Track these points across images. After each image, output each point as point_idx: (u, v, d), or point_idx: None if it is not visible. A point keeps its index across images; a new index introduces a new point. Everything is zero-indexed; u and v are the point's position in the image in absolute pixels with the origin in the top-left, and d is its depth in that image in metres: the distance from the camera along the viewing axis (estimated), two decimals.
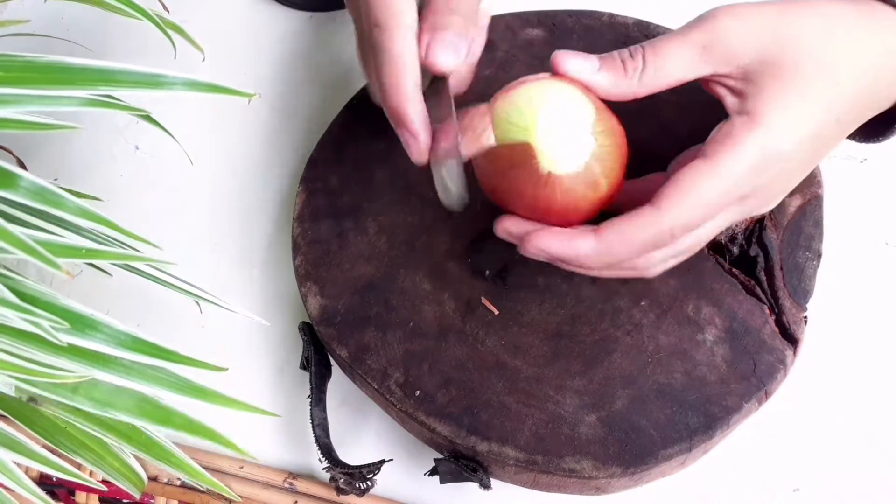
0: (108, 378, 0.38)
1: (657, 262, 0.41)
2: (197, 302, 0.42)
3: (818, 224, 0.47)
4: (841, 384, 0.52)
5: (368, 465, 0.47)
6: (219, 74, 0.64)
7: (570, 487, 0.45)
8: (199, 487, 0.46)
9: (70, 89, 0.38)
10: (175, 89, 0.39)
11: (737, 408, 0.43)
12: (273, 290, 0.58)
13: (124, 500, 0.55)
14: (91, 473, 0.53)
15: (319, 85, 0.64)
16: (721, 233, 0.46)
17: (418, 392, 0.45)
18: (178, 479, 0.54)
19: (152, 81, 0.39)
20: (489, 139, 0.40)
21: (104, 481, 0.46)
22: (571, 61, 0.40)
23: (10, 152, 0.59)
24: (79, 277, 0.56)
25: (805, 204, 0.47)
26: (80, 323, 0.36)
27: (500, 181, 0.41)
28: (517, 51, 0.54)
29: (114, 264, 0.41)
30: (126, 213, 0.61)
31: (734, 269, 0.46)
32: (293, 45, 0.65)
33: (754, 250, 0.46)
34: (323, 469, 0.48)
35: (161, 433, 0.42)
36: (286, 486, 0.53)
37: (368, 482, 0.48)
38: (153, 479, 0.55)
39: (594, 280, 0.47)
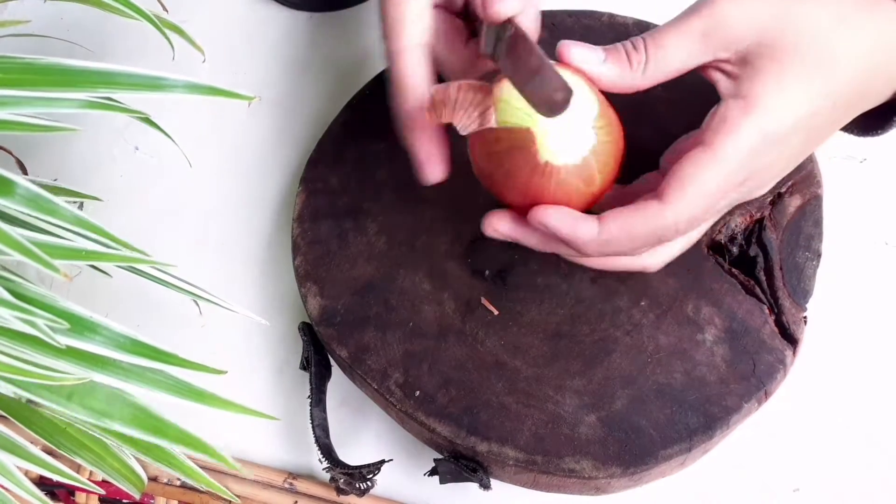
0: (106, 380, 0.38)
1: (659, 254, 0.41)
2: (197, 302, 0.42)
3: (818, 224, 0.47)
4: (841, 384, 0.52)
5: (368, 465, 0.47)
6: (218, 75, 0.64)
7: (569, 487, 0.45)
8: (198, 488, 0.46)
9: (70, 91, 0.38)
10: (175, 92, 0.39)
11: (736, 408, 0.43)
12: (273, 291, 0.58)
13: (124, 501, 0.55)
14: (91, 474, 0.54)
15: (319, 85, 0.64)
16: (721, 233, 0.46)
17: (418, 392, 0.45)
18: (178, 479, 0.55)
19: (152, 84, 0.39)
20: (491, 119, 0.39)
21: (103, 482, 0.46)
22: (577, 50, 0.39)
23: (10, 153, 0.59)
24: (78, 278, 0.56)
25: (805, 204, 0.47)
26: (78, 325, 0.36)
27: (494, 164, 0.41)
28: None
29: (115, 266, 0.41)
30: (126, 214, 0.61)
31: (734, 269, 0.46)
32: (293, 46, 0.65)
33: (754, 250, 0.46)
34: (323, 469, 0.48)
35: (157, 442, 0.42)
36: (286, 486, 0.53)
37: (368, 482, 0.48)
38: (153, 479, 0.55)
39: (594, 280, 0.47)
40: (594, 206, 0.41)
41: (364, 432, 0.54)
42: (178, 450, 0.41)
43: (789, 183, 0.47)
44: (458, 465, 0.45)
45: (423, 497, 0.53)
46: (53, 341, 0.34)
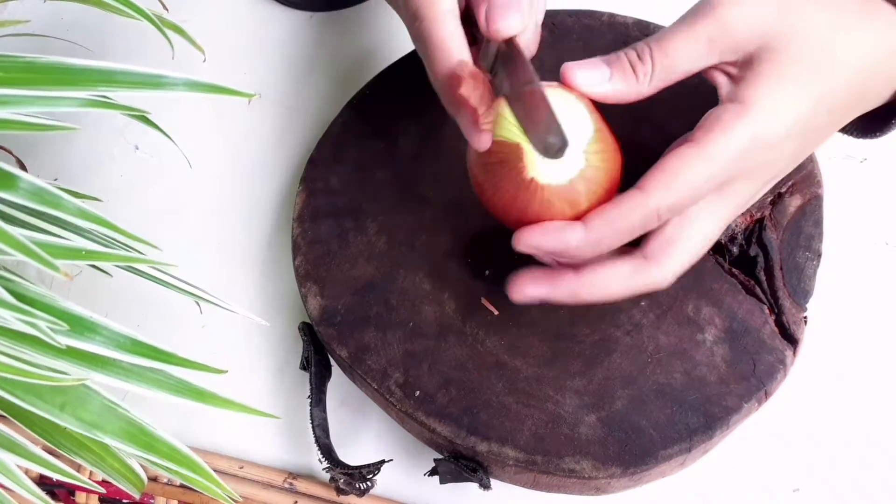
0: (106, 381, 0.38)
1: (666, 267, 0.40)
2: (197, 302, 0.42)
3: (818, 224, 0.47)
4: (841, 384, 0.52)
5: (368, 465, 0.47)
6: (218, 74, 0.64)
7: (569, 488, 0.45)
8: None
9: (70, 90, 0.38)
10: (175, 90, 0.39)
11: (736, 408, 0.43)
12: (273, 291, 0.58)
13: (124, 501, 0.55)
14: (91, 474, 0.54)
15: (319, 85, 0.64)
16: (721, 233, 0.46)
17: (418, 392, 0.45)
18: (178, 479, 0.54)
19: (152, 82, 0.39)
20: (489, 132, 0.40)
21: (103, 482, 0.46)
22: (581, 74, 0.39)
23: (10, 153, 0.59)
24: (78, 278, 0.56)
25: (805, 204, 0.47)
26: (78, 325, 0.36)
27: (486, 175, 0.41)
28: None
29: (114, 265, 0.41)
30: (126, 214, 0.61)
31: (734, 269, 0.46)
32: (293, 45, 0.65)
33: (754, 250, 0.46)
34: (323, 469, 0.48)
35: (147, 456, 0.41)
36: (286, 486, 0.53)
37: (368, 482, 0.48)
38: (153, 479, 0.55)
39: None
40: None
41: (364, 432, 0.54)
42: (170, 466, 0.40)
43: (789, 183, 0.47)
44: (458, 465, 0.45)
45: (423, 497, 0.53)
46: (53, 341, 0.34)
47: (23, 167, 0.59)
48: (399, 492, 0.53)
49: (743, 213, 0.46)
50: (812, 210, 0.47)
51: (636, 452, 0.43)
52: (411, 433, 0.48)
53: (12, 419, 0.41)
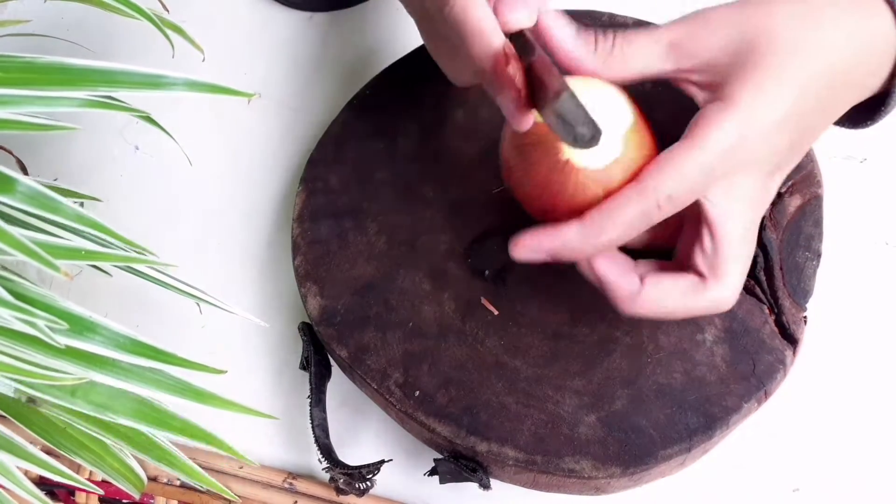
0: (106, 380, 0.38)
1: (726, 287, 0.41)
2: (197, 303, 0.42)
3: (818, 224, 0.47)
4: (841, 384, 0.52)
5: (368, 465, 0.47)
6: (218, 74, 0.64)
7: (569, 488, 0.45)
8: (198, 488, 0.46)
9: (70, 90, 0.38)
10: (175, 90, 0.39)
11: (736, 408, 0.43)
12: (273, 291, 0.58)
13: (124, 501, 0.55)
14: (91, 474, 0.54)
15: (319, 85, 0.64)
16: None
17: (418, 392, 0.45)
18: (178, 479, 0.55)
19: (153, 82, 0.39)
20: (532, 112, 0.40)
21: (103, 482, 0.46)
22: (554, 17, 0.40)
23: (10, 153, 0.59)
24: (78, 278, 0.56)
25: (805, 204, 0.47)
26: (78, 325, 0.36)
27: (520, 157, 0.41)
28: None
29: (114, 265, 0.41)
30: (126, 214, 0.61)
31: None
32: (293, 45, 0.65)
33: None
34: (323, 469, 0.48)
35: (160, 436, 0.42)
36: (286, 486, 0.53)
37: (368, 482, 0.48)
38: (153, 479, 0.55)
39: None
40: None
41: (364, 432, 0.54)
42: (182, 441, 0.41)
43: (789, 183, 0.47)
44: (457, 465, 0.45)
45: (423, 497, 0.53)
46: (53, 341, 0.34)
47: (23, 167, 0.59)
48: (399, 492, 0.53)
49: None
50: (812, 210, 0.47)
51: (636, 452, 0.43)
52: (411, 433, 0.48)
53: (12, 419, 0.41)
